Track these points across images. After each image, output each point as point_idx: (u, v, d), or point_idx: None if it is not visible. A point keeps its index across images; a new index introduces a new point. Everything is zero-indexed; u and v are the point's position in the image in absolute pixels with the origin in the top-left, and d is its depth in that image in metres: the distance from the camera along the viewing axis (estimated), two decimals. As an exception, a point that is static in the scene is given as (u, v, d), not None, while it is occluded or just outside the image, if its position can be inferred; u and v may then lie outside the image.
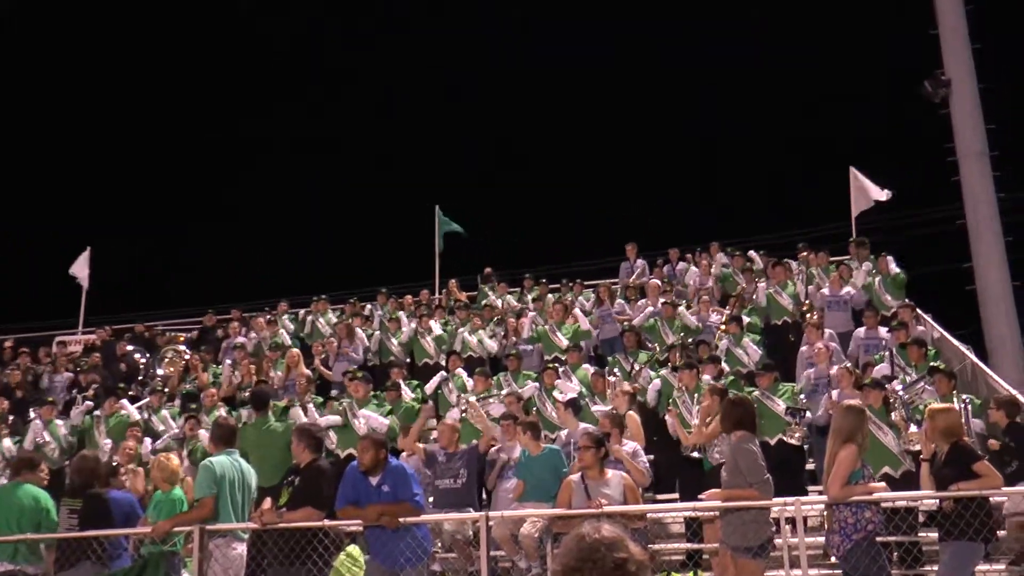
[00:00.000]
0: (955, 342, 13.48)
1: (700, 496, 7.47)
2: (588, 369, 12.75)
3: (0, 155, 32.56)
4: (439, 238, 21.46)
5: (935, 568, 7.66)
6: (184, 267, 29.63)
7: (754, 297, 14.85)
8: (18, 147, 32.68)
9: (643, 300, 15.70)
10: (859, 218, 18.14)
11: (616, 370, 12.69)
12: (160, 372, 15.74)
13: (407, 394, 12.67)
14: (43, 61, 34.07)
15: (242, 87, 34.30)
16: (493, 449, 10.38)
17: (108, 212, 32.48)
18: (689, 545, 9.94)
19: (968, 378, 12.18)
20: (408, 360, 15.25)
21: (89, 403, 14.02)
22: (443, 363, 14.22)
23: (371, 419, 11.82)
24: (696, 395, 10.92)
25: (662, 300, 15.16)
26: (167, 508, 8.19)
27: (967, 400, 10.33)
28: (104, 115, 33.89)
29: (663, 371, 12.11)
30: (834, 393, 10.71)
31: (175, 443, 12.36)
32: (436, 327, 15.34)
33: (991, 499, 7.20)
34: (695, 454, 10.28)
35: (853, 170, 18.57)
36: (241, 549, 7.86)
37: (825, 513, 7.05)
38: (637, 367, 12.72)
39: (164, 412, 13.47)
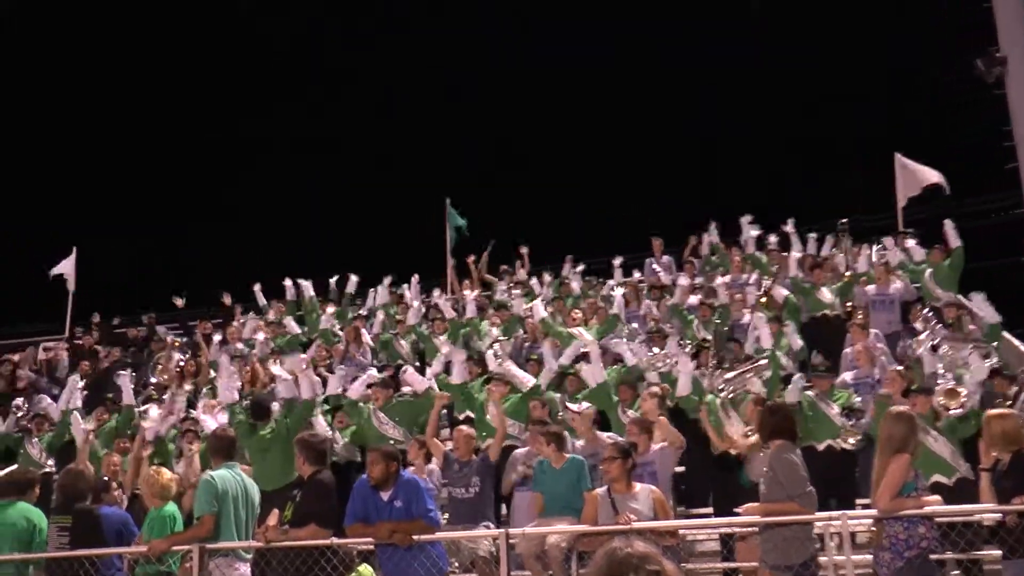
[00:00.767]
0: (1015, 341, 13.44)
1: (736, 510, 7.44)
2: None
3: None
4: (451, 231, 21.53)
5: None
6: (183, 267, 29.83)
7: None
8: (12, 146, 33.09)
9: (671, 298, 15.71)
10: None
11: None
12: (153, 380, 15.80)
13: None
14: (43, 60, 34.55)
15: (242, 87, 34.88)
16: (518, 451, 10.42)
17: (102, 212, 32.83)
18: (725, 564, 9.92)
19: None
20: (418, 363, 15.25)
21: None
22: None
23: (411, 376, 12.12)
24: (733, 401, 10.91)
25: (698, 299, 15.22)
26: (159, 526, 8.27)
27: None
28: (101, 114, 34.39)
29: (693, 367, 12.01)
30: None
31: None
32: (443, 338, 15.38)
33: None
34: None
35: (899, 156, 18.52)
36: (244, 569, 7.89)
37: (874, 528, 6.96)
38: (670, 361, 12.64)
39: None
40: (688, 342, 13.37)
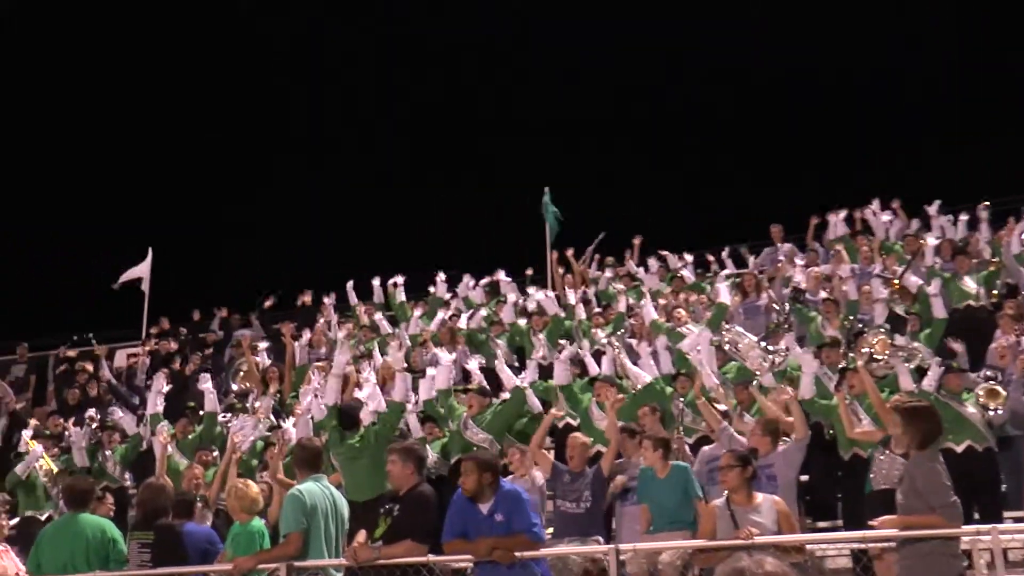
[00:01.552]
0: None
1: (871, 523, 7.28)
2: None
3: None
4: (550, 222, 21.54)
5: None
6: (260, 267, 30.48)
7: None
8: (85, 146, 34.42)
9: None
10: None
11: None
12: (234, 387, 16.03)
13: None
14: (111, 61, 35.80)
15: (322, 81, 36.11)
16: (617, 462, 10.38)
17: (175, 212, 34.10)
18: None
19: None
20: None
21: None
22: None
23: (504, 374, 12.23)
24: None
25: (822, 295, 14.97)
26: (245, 542, 8.36)
27: None
28: (177, 111, 35.79)
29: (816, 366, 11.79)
30: None
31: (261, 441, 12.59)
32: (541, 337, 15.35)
33: None
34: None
35: None
36: (334, 588, 7.91)
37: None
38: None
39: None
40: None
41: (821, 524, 10.81)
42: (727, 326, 13.54)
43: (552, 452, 11.74)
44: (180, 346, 19.55)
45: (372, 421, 11.58)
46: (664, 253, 19.02)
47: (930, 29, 29.26)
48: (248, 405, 14.14)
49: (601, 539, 9.63)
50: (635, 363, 12.84)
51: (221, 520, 10.47)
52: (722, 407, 10.99)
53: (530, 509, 7.75)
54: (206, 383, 13.84)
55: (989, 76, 28.47)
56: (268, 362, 16.38)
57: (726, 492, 8.21)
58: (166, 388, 14.14)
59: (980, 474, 10.24)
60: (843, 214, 17.99)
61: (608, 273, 18.87)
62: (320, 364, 15.02)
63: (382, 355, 15.32)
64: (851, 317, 14.20)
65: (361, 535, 7.99)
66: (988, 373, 11.29)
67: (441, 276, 19.22)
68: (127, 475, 13.71)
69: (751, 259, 18.60)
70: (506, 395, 12.63)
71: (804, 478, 10.68)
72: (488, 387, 12.96)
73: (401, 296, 18.73)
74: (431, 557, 7.64)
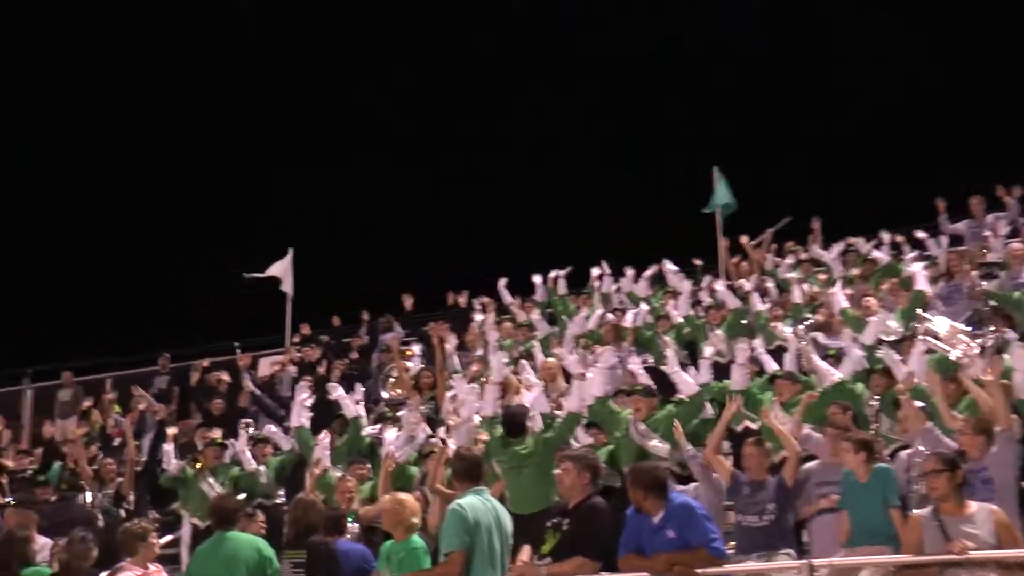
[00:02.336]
0: None
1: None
2: None
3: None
4: (719, 203, 21.24)
5: None
6: (411, 265, 31.07)
7: None
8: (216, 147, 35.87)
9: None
10: None
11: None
12: (385, 395, 16.22)
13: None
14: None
15: (497, 78, 36.60)
16: (809, 465, 10.13)
17: (316, 211, 35.38)
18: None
19: None
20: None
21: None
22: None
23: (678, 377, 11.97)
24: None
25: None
26: (410, 561, 8.36)
27: None
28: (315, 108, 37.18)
29: None
30: None
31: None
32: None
33: None
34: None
35: None
36: (497, 608, 7.92)
37: None
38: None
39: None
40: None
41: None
42: (923, 314, 13.10)
43: (730, 460, 11.51)
44: (323, 353, 19.85)
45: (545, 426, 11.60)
46: (852, 241, 18.52)
47: None
48: (400, 414, 14.23)
49: (792, 553, 9.42)
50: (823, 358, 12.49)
51: (376, 536, 10.58)
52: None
53: (706, 521, 7.72)
54: (337, 391, 14.14)
55: None
56: (419, 367, 16.52)
57: (933, 501, 7.94)
58: (310, 399, 14.36)
59: None
60: None
61: (789, 260, 18.48)
62: (473, 370, 15.13)
63: (545, 355, 15.29)
64: None
65: (525, 552, 7.99)
66: None
67: (600, 269, 19.06)
68: (280, 491, 13.93)
69: (943, 239, 17.92)
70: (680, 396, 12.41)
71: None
72: (655, 387, 12.74)
73: (563, 290, 18.69)
74: (604, 575, 7.57)
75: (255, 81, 37.08)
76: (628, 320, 16.65)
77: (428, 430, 13.31)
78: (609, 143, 35.46)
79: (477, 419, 12.33)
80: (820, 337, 13.68)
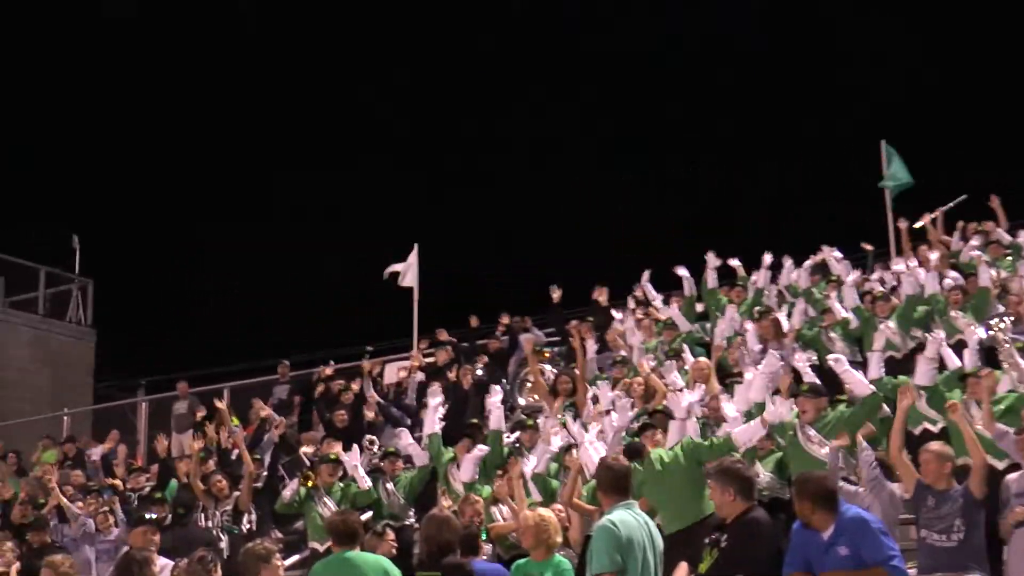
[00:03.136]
0: None
1: None
2: None
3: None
4: (897, 180, 20.75)
5: None
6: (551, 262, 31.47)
7: None
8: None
9: None
10: None
11: None
12: (521, 402, 16.17)
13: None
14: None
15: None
16: (1010, 477, 9.78)
17: (440, 205, 36.94)
18: None
19: None
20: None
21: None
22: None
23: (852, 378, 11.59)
24: None
25: None
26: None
27: None
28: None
29: None
30: None
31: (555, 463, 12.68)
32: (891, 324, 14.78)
33: None
34: None
35: None
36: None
37: None
38: None
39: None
40: None
41: None
42: None
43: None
44: (455, 356, 19.87)
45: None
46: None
47: None
48: (537, 422, 14.15)
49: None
50: None
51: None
52: None
53: (883, 536, 7.56)
54: (496, 396, 14.05)
55: None
56: (555, 371, 16.45)
57: None
58: (441, 404, 14.45)
59: None
60: None
61: (975, 241, 17.89)
62: (615, 374, 15.00)
63: (694, 355, 15.09)
64: None
65: (682, 569, 7.88)
66: None
67: (767, 259, 18.70)
68: (411, 510, 13.93)
69: None
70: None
71: None
72: (822, 385, 12.39)
73: (713, 282, 18.42)
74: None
75: (255, 81, 40.27)
76: (782, 320, 16.26)
77: (565, 439, 13.10)
78: (609, 143, 38.73)
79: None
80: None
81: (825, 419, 11.24)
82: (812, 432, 11.16)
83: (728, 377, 14.25)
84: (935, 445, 10.00)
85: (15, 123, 37.02)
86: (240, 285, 36.54)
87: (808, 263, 18.59)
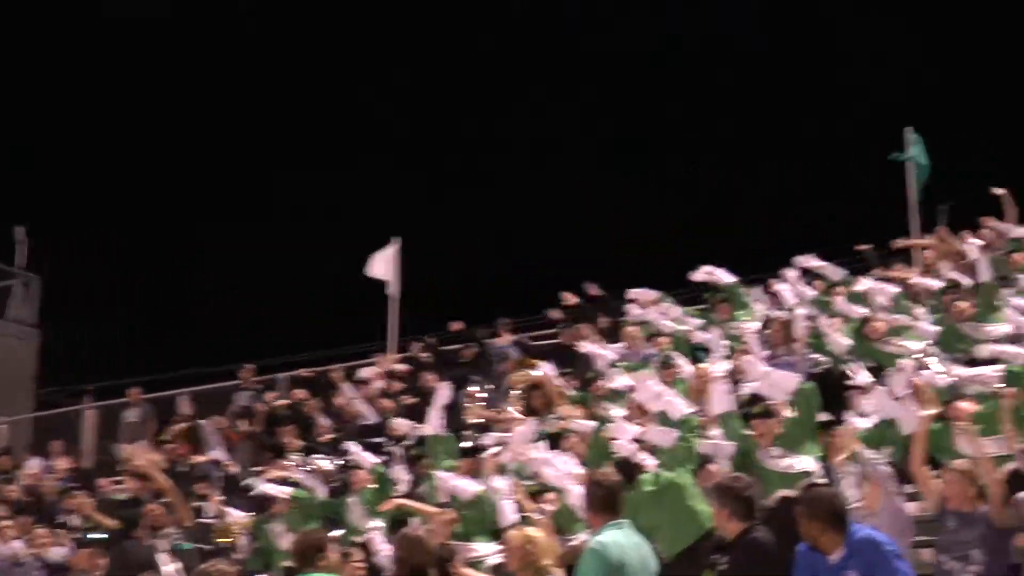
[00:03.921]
0: None
1: None
2: None
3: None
4: (916, 175, 20.27)
5: None
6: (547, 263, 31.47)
7: None
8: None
9: None
10: None
11: None
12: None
13: None
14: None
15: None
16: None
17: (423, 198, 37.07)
18: None
19: None
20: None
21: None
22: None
23: None
24: None
25: None
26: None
27: None
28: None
29: None
30: None
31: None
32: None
33: None
34: None
35: None
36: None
37: None
38: None
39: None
40: None
41: None
42: None
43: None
44: (429, 361, 19.12)
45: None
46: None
47: None
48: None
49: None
50: None
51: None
52: None
53: (896, 560, 7.14)
54: (439, 396, 14.02)
55: None
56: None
57: None
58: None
59: None
60: None
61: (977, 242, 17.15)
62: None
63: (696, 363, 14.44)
64: None
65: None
66: None
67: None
68: (372, 523, 13.06)
69: None
70: None
71: None
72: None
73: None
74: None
75: (255, 81, 40.65)
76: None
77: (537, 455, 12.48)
78: (609, 143, 38.87)
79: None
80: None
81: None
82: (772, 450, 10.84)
83: None
84: (960, 463, 9.45)
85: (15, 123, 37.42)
86: (240, 285, 36.68)
87: (794, 273, 17.66)
